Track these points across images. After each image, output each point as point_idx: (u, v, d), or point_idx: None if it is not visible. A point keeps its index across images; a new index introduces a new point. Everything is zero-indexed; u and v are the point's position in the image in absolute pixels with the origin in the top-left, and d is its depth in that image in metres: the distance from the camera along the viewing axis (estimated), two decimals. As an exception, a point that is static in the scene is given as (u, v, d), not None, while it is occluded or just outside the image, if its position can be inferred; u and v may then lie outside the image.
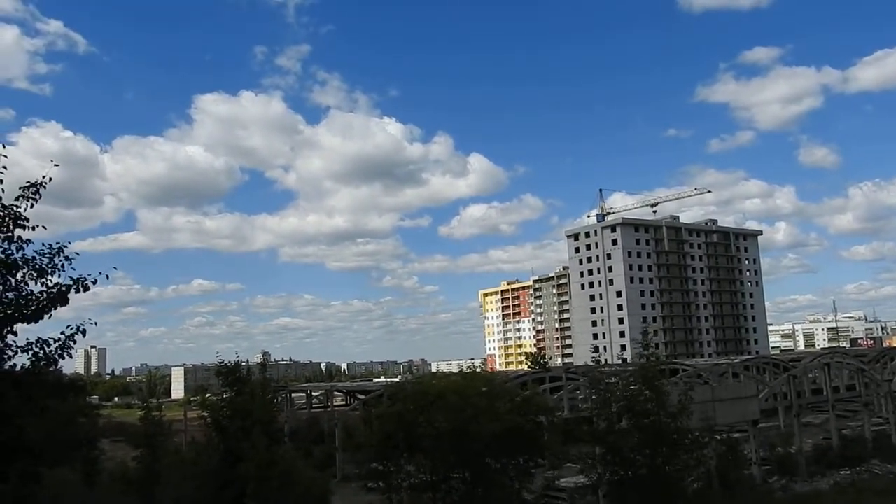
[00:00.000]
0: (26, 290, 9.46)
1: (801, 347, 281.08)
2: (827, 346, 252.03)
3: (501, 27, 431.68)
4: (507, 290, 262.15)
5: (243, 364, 24.59)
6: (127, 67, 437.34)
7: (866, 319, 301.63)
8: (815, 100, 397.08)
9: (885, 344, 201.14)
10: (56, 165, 9.96)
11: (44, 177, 9.66)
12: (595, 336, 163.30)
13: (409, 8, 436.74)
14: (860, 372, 66.45)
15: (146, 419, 28.36)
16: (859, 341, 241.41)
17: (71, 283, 9.61)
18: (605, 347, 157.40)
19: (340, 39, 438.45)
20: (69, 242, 9.80)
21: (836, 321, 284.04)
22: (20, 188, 9.50)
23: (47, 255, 9.53)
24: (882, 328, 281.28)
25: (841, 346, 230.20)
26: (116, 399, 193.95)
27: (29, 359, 9.45)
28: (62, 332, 9.58)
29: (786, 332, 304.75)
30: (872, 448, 49.37)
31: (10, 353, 9.40)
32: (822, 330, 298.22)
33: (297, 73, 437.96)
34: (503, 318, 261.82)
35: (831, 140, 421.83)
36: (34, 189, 9.53)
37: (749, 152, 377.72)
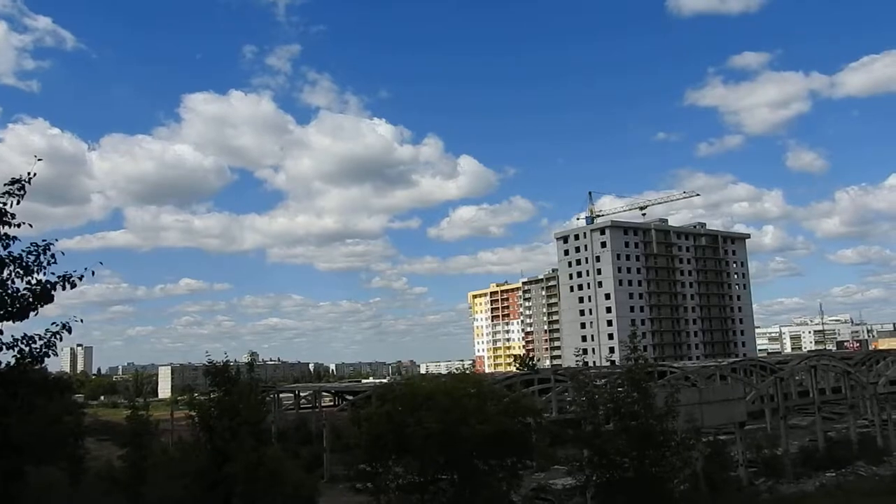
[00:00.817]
0: (12, 287, 9.38)
1: (788, 350, 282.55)
2: (813, 348, 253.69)
3: (492, 30, 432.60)
4: (497, 292, 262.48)
5: (232, 364, 24.48)
6: (116, 65, 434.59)
7: (852, 322, 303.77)
8: (803, 104, 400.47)
9: (871, 347, 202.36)
10: (39, 160, 9.83)
11: (29, 173, 9.56)
12: (584, 338, 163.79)
13: (400, 9, 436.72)
14: (846, 374, 66.98)
15: (132, 418, 28.18)
16: (845, 344, 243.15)
17: (57, 279, 9.54)
18: (593, 349, 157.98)
19: (331, 40, 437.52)
20: (56, 240, 9.73)
21: (822, 324, 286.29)
22: (4, 184, 9.41)
23: (34, 253, 9.45)
24: (868, 331, 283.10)
25: (827, 348, 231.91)
26: (102, 398, 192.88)
27: (14, 356, 9.37)
28: (47, 329, 9.51)
29: (773, 334, 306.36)
30: (858, 450, 49.74)
31: (-5, 350, 9.32)
32: (809, 332, 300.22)
33: (287, 72, 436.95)
34: (492, 320, 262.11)
35: (819, 144, 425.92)
36: (20, 185, 9.44)
37: (737, 156, 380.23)
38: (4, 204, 9.33)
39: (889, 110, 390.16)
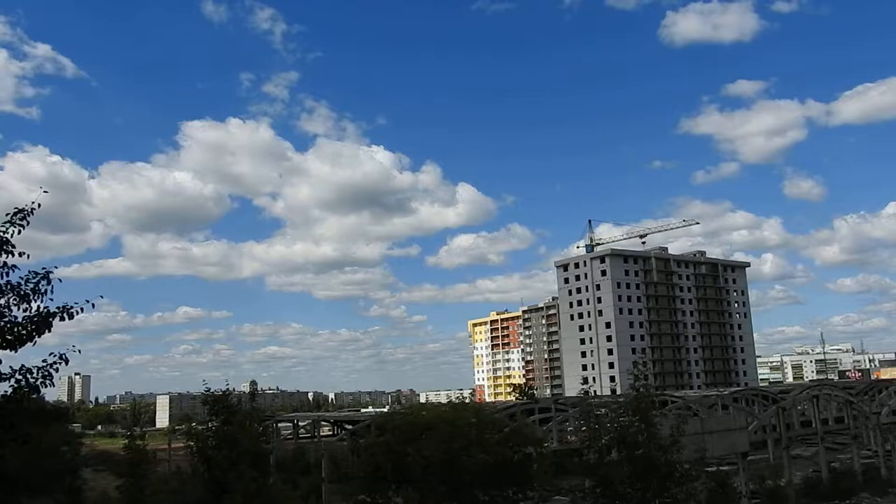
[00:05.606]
0: (10, 316, 9.31)
1: (790, 379, 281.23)
2: (815, 377, 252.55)
3: (490, 65, 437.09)
4: (496, 320, 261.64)
5: (232, 393, 24.29)
6: (115, 92, 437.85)
7: (854, 351, 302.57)
8: (799, 132, 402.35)
9: (873, 376, 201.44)
10: (45, 192, 9.90)
11: (32, 203, 9.57)
12: (584, 367, 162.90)
13: (397, 36, 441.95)
14: (848, 404, 66.46)
15: (130, 448, 27.90)
16: (847, 373, 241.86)
17: (56, 310, 9.48)
18: (594, 378, 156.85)
19: (328, 67, 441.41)
20: (56, 267, 9.70)
21: (824, 353, 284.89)
22: (7, 214, 9.41)
23: (32, 282, 9.41)
24: (870, 360, 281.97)
25: (829, 378, 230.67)
26: (100, 427, 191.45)
27: (11, 386, 9.27)
28: (44, 360, 9.42)
29: (774, 363, 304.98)
30: (862, 481, 49.26)
31: (-8, 380, 9.23)
32: (811, 362, 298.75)
33: (284, 100, 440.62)
34: (492, 349, 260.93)
35: (816, 172, 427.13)
36: (22, 215, 9.44)
37: (734, 184, 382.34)
38: (5, 232, 9.31)
39: (885, 138, 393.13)
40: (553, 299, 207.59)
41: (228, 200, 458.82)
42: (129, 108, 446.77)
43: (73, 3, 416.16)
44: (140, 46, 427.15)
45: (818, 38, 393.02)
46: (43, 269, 9.57)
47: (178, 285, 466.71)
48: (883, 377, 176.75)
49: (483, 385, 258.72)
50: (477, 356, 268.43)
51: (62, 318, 9.51)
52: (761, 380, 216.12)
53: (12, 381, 9.23)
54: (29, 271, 9.48)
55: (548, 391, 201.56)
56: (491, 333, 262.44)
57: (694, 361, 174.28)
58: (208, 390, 23.71)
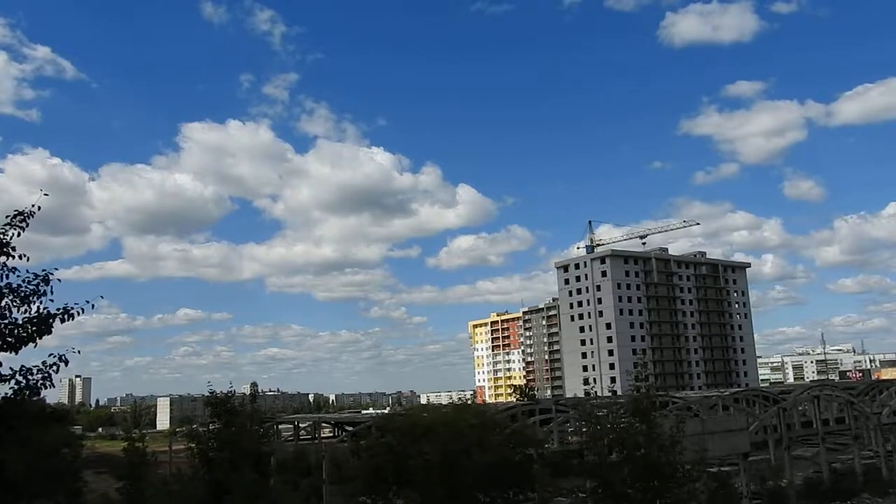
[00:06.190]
0: (10, 318, 9.31)
1: (791, 380, 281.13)
2: (816, 378, 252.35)
3: (490, 70, 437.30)
4: (497, 322, 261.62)
5: (234, 395, 24.29)
6: (114, 94, 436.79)
7: (854, 352, 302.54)
8: (798, 133, 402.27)
9: (874, 377, 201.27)
10: (45, 195, 9.90)
11: (32, 205, 9.58)
12: (585, 367, 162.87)
13: (396, 37, 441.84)
14: (849, 405, 66.42)
15: (130, 450, 27.91)
16: (848, 374, 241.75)
17: (56, 311, 9.48)
18: (594, 379, 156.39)
19: (328, 68, 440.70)
20: (56, 269, 9.69)
21: (824, 353, 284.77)
22: (6, 216, 9.41)
23: (32, 284, 9.41)
24: (870, 361, 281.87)
25: (830, 378, 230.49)
26: (101, 430, 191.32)
27: (11, 387, 9.27)
28: (44, 361, 9.42)
29: (775, 364, 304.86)
30: (863, 481, 49.25)
31: (-8, 382, 9.22)
32: (811, 362, 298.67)
33: (284, 101, 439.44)
34: (493, 350, 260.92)
35: (816, 173, 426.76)
36: (21, 218, 9.45)
37: (734, 185, 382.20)
38: (5, 235, 9.32)
39: (885, 138, 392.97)
40: (553, 300, 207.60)
41: (228, 202, 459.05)
42: (129, 110, 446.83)
43: (73, 4, 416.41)
44: (140, 48, 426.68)
45: (818, 39, 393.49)
46: (43, 270, 9.58)
47: (179, 287, 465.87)
48: (884, 377, 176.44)
49: (484, 386, 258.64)
50: (477, 357, 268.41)
51: (62, 320, 9.51)
52: (762, 380, 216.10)
53: (12, 382, 9.24)
54: (28, 272, 9.50)
55: (548, 392, 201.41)
56: (491, 334, 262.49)
57: (694, 362, 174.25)
58: (212, 392, 23.71)
